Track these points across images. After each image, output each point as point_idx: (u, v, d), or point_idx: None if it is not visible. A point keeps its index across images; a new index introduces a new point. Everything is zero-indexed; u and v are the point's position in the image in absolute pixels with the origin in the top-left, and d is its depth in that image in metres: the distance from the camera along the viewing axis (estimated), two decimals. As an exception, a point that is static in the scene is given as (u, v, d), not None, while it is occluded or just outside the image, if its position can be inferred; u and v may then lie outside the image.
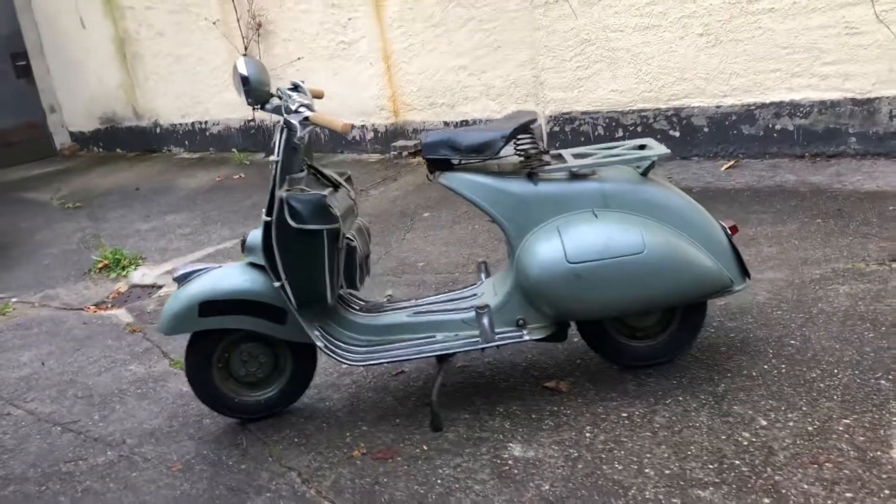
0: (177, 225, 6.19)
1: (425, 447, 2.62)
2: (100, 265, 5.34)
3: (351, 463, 2.58)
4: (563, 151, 2.88)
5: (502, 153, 2.73)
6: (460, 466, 2.48)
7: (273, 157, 2.63)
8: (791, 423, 2.44)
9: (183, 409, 3.10)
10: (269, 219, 2.60)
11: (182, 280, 2.82)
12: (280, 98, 2.72)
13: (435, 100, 6.95)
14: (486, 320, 2.69)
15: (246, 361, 2.87)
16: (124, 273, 5.20)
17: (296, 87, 2.90)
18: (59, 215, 7.13)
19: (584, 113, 6.06)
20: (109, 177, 8.33)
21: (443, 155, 2.70)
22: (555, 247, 2.60)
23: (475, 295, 2.91)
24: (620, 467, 2.36)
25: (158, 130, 9.41)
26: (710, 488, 2.21)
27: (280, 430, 2.84)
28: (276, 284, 2.63)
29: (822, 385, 2.62)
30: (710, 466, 2.30)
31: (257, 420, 2.92)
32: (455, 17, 6.55)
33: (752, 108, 5.31)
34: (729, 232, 2.77)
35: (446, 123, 6.93)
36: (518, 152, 2.74)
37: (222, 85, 8.39)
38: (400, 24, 6.91)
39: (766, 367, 2.79)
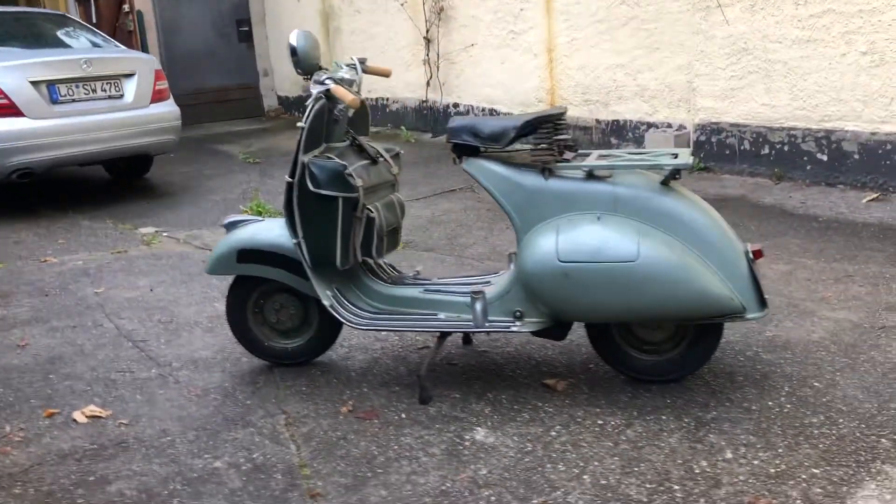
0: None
1: (403, 416, 2.74)
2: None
3: (334, 417, 2.76)
4: (591, 152, 2.86)
5: (525, 145, 2.77)
6: (422, 438, 2.58)
7: (300, 124, 2.83)
8: (756, 462, 2.31)
9: (233, 347, 3.42)
10: (290, 180, 2.82)
11: (230, 227, 3.12)
12: (325, 70, 2.90)
13: (590, 97, 6.90)
14: (478, 306, 2.75)
15: (277, 310, 3.12)
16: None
17: (358, 63, 3.07)
18: (238, 168, 7.87)
19: (732, 125, 5.79)
20: (293, 140, 9.03)
21: (465, 140, 2.78)
22: (550, 244, 2.61)
23: (489, 282, 2.97)
24: (563, 469, 2.35)
25: (348, 102, 10.03)
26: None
27: (296, 378, 3.07)
28: (294, 242, 2.85)
29: (815, 431, 2.44)
30: (647, 486, 2.24)
31: (283, 366, 3.17)
32: (618, 14, 6.46)
33: (909, 137, 4.84)
34: (751, 256, 2.63)
35: (598, 122, 6.87)
36: (537, 146, 2.75)
37: (405, 65, 8.79)
38: (566, 18, 6.92)
39: (770, 403, 2.63)
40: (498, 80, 7.80)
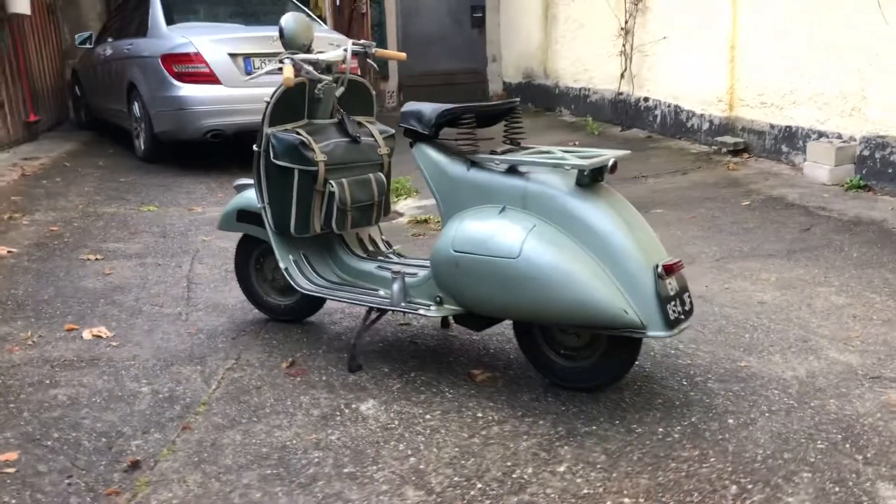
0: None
1: (323, 378, 2.92)
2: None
3: (271, 369, 3.00)
4: (535, 147, 2.80)
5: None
6: (315, 400, 2.74)
7: (266, 98, 3.07)
8: (579, 480, 2.19)
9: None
10: (256, 150, 3.08)
11: (239, 189, 3.47)
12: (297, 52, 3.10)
13: (766, 99, 6.36)
14: (396, 286, 2.84)
15: (274, 268, 3.42)
16: (396, 199, 6.05)
17: (350, 47, 3.22)
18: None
19: (899, 139, 5.07)
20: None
21: (411, 126, 2.85)
22: (450, 233, 2.64)
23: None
24: (400, 448, 2.39)
25: (557, 91, 10.07)
26: (421, 492, 2.17)
27: (274, 332, 3.35)
28: (259, 206, 3.13)
29: (673, 465, 2.25)
30: (454, 479, 2.22)
31: (278, 321, 3.47)
32: (799, 8, 5.88)
33: None
34: (660, 271, 2.44)
35: (772, 127, 6.32)
36: (460, 135, 2.76)
37: (606, 56, 8.65)
38: (749, 13, 6.43)
39: (659, 429, 2.45)
40: (684, 75, 7.43)
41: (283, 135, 3.03)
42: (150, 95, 7.14)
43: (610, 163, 2.51)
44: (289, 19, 3.12)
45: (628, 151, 2.71)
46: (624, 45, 8.26)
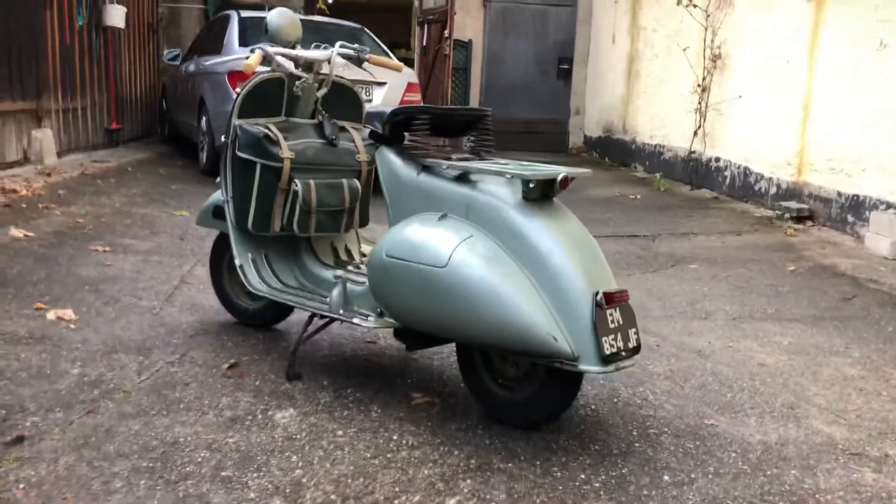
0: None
1: (257, 383, 2.75)
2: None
3: (210, 369, 2.86)
4: (499, 160, 2.60)
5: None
6: (236, 402, 2.58)
7: (237, 90, 2.99)
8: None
9: (240, 303, 3.67)
10: (224, 140, 3.00)
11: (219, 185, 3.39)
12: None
13: (835, 164, 5.95)
14: (335, 291, 2.67)
15: (243, 269, 3.32)
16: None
17: (337, 48, 3.12)
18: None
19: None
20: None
21: (374, 127, 2.71)
22: (386, 237, 2.46)
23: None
24: (285, 458, 2.20)
25: (633, 146, 9.79)
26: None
27: (233, 335, 3.22)
28: (222, 199, 3.03)
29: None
30: (324, 489, 2.01)
31: (246, 325, 3.35)
32: (874, 74, 5.49)
33: None
34: (600, 299, 2.19)
35: (839, 194, 5.89)
36: (411, 138, 2.59)
37: (682, 113, 8.35)
38: (824, 75, 6.06)
39: (582, 476, 2.17)
40: (756, 135, 7.06)
41: (249, 127, 2.93)
42: (214, 110, 7.29)
43: (559, 177, 2.29)
44: (274, 14, 3.06)
45: (588, 171, 2.48)
46: (699, 103, 7.95)
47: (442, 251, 2.29)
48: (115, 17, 8.80)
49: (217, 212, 3.24)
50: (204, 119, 7.65)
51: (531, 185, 2.28)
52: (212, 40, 8.36)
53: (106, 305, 3.51)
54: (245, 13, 8.09)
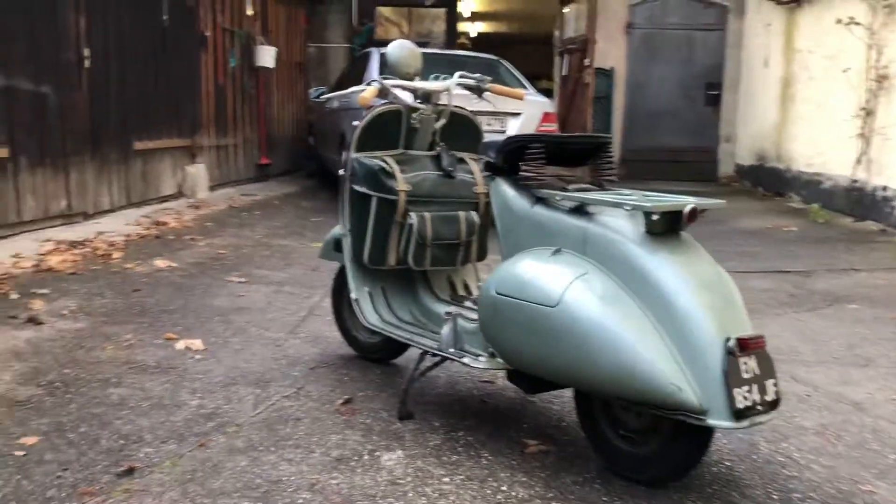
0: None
1: (367, 421, 2.67)
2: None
3: (324, 404, 2.80)
4: (622, 190, 2.41)
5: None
6: (344, 441, 2.50)
7: (356, 122, 2.95)
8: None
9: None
10: (342, 173, 2.96)
11: (344, 219, 3.37)
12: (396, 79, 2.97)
13: None
14: (446, 329, 2.56)
15: (364, 303, 3.27)
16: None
17: (457, 78, 3.06)
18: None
19: None
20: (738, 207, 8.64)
21: (489, 156, 2.60)
22: (497, 273, 2.33)
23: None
24: (383, 502, 2.10)
25: (788, 175, 9.19)
26: None
27: (352, 369, 3.17)
28: (341, 232, 3.00)
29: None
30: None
31: (365, 359, 3.29)
32: None
33: None
34: (732, 346, 1.96)
35: None
36: (526, 168, 2.44)
37: (845, 138, 7.75)
38: None
39: None
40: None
41: (366, 160, 2.90)
42: (353, 144, 7.42)
43: (686, 209, 2.09)
44: (393, 46, 3.04)
45: (722, 201, 2.24)
46: (863, 127, 7.36)
47: (553, 289, 2.13)
48: (266, 57, 9.23)
49: (338, 245, 3.22)
50: (344, 154, 7.81)
51: (654, 218, 2.09)
52: (354, 77, 8.56)
53: (233, 336, 3.56)
54: (386, 49, 8.24)
